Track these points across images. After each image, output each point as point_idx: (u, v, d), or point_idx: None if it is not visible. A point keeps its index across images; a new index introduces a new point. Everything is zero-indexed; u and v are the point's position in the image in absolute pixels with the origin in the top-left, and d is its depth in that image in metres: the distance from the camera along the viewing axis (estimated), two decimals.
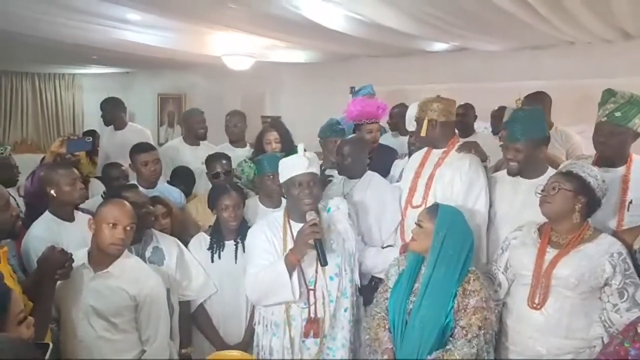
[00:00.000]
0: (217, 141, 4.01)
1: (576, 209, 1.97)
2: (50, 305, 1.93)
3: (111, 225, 2.05)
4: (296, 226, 2.19)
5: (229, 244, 2.55)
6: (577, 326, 1.98)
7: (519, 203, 2.31)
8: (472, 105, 3.99)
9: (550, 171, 2.24)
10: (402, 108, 3.49)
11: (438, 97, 2.49)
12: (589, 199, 1.97)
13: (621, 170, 2.28)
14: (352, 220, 2.34)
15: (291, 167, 2.19)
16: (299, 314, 2.19)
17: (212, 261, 2.54)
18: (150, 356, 2.14)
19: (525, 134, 2.26)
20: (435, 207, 2.12)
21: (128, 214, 2.09)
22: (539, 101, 3.24)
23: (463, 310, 1.95)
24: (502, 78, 4.59)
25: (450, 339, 1.95)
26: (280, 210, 2.33)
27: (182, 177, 3.40)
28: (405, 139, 3.24)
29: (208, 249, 2.56)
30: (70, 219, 2.54)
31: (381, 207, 2.56)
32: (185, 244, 2.60)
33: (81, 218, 2.51)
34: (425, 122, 2.44)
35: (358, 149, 2.66)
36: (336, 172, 2.78)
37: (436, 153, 2.51)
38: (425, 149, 2.59)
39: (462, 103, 3.89)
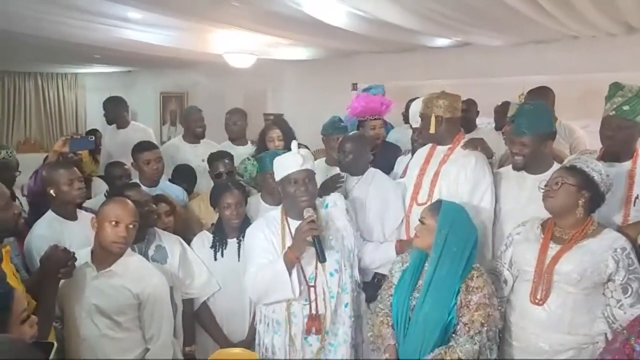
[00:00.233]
0: (220, 139, 4.00)
1: (580, 203, 1.96)
2: (53, 304, 1.94)
3: (113, 223, 2.05)
4: (294, 224, 2.19)
5: (232, 242, 2.55)
6: (579, 322, 1.97)
7: (524, 198, 2.30)
8: (474, 100, 3.97)
9: (556, 167, 2.23)
10: None
11: (443, 93, 2.47)
12: (592, 194, 1.96)
13: (627, 165, 2.26)
14: (350, 216, 2.34)
15: (286, 165, 2.19)
16: (300, 311, 2.19)
17: (215, 259, 2.55)
18: (153, 355, 2.15)
19: (532, 128, 2.24)
20: (438, 203, 2.11)
21: (130, 212, 2.10)
22: (542, 96, 3.21)
23: (466, 307, 1.94)
24: (505, 73, 4.56)
25: (453, 335, 1.95)
26: (278, 209, 2.33)
27: (184, 175, 3.41)
28: None
29: (211, 247, 2.57)
30: (73, 217, 2.54)
31: (384, 204, 2.55)
32: (189, 242, 2.60)
33: (84, 217, 2.51)
34: (433, 118, 2.41)
35: (360, 146, 2.65)
36: (338, 169, 2.77)
37: (441, 150, 2.49)
38: (430, 145, 2.57)
39: (464, 99, 3.88)
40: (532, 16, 3.36)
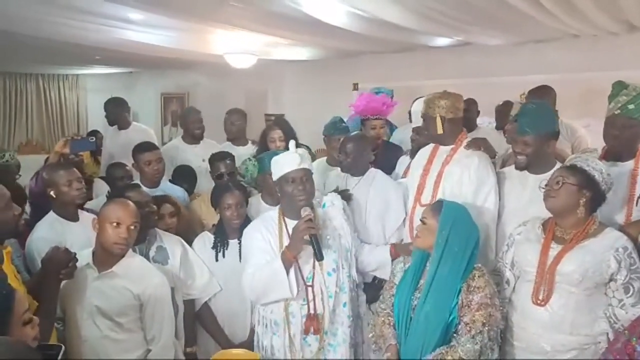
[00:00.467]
0: (221, 140, 4.01)
1: (581, 203, 1.95)
2: (54, 305, 1.94)
3: (115, 224, 2.05)
4: (291, 223, 2.19)
5: (233, 243, 2.55)
6: (581, 322, 1.96)
7: (527, 198, 2.30)
8: (474, 100, 3.96)
9: (559, 166, 2.22)
10: None
11: (445, 93, 2.46)
12: (593, 193, 1.95)
13: (629, 164, 2.26)
14: (347, 216, 2.35)
15: (283, 164, 2.20)
16: (299, 311, 2.19)
17: (217, 260, 2.55)
18: (155, 355, 2.15)
19: (534, 127, 2.23)
20: (440, 203, 2.10)
21: (131, 213, 2.10)
22: (543, 95, 3.21)
23: (467, 307, 1.93)
24: (506, 72, 4.56)
25: (454, 335, 1.94)
26: (276, 209, 2.34)
27: (184, 176, 3.41)
28: None
29: (212, 248, 2.57)
30: (74, 218, 2.54)
31: (385, 204, 2.55)
32: (191, 243, 2.60)
33: (85, 218, 2.52)
34: (438, 119, 2.40)
35: (361, 146, 2.65)
36: (339, 169, 2.76)
37: (444, 150, 2.48)
38: (432, 145, 2.57)
39: (465, 98, 3.87)
40: (533, 15, 3.35)
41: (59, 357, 1.28)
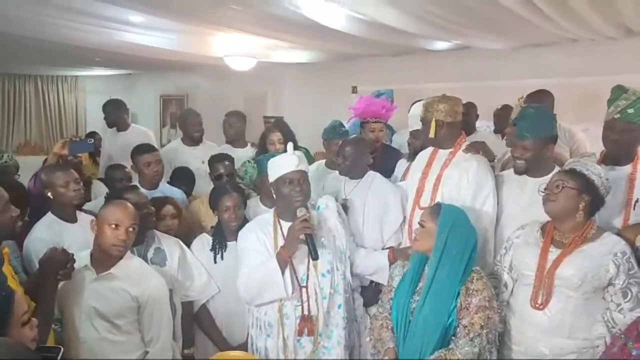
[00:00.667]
0: (220, 142, 4.01)
1: (580, 207, 1.96)
2: (52, 306, 1.93)
3: (113, 226, 2.05)
4: (286, 225, 2.21)
5: (232, 245, 2.54)
6: (580, 326, 1.96)
7: (525, 202, 2.30)
8: (473, 103, 3.97)
9: (557, 170, 2.23)
10: None
11: (444, 97, 2.46)
12: (592, 197, 1.96)
13: (627, 168, 2.26)
14: (342, 218, 2.36)
15: (281, 166, 2.21)
16: (293, 312, 2.20)
17: (215, 262, 2.55)
18: (153, 357, 2.14)
19: (534, 131, 2.24)
20: (438, 207, 2.11)
21: (130, 215, 2.10)
22: (541, 99, 3.22)
23: (466, 309, 1.93)
24: (504, 76, 4.57)
25: (453, 338, 1.94)
26: (271, 211, 2.34)
27: (183, 178, 3.41)
28: None
29: (210, 250, 2.57)
30: (73, 220, 2.54)
31: (383, 207, 2.56)
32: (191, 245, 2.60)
33: (84, 219, 2.51)
34: (433, 123, 2.41)
35: (359, 149, 2.65)
36: (337, 172, 2.77)
37: (443, 153, 2.49)
38: (431, 148, 2.57)
39: (464, 102, 3.87)
40: (531, 19, 3.37)
41: (58, 359, 1.28)
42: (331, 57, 5.59)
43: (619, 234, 2.05)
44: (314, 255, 2.11)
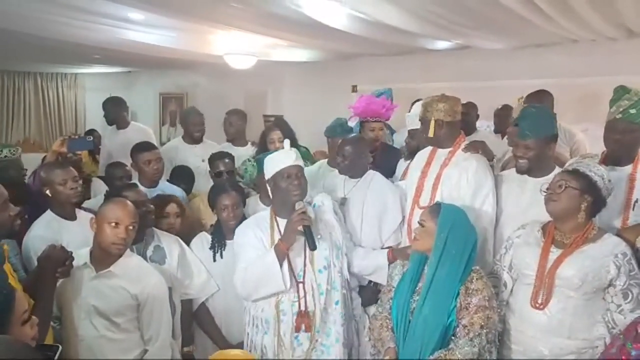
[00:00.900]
0: (220, 140, 4.01)
1: (582, 207, 1.96)
2: (51, 304, 1.93)
3: (113, 224, 2.05)
4: (283, 222, 2.22)
5: (231, 243, 2.54)
6: (579, 326, 1.97)
7: (526, 202, 2.30)
8: (473, 103, 3.97)
9: (557, 170, 2.23)
10: None
11: (443, 96, 2.46)
12: (594, 198, 1.96)
13: (628, 169, 2.26)
14: (338, 216, 2.38)
15: (279, 161, 2.23)
16: (290, 308, 2.20)
17: (214, 260, 2.55)
18: (152, 355, 2.14)
19: (535, 131, 2.24)
20: (438, 206, 2.11)
21: (130, 213, 2.09)
22: (541, 99, 3.22)
23: (465, 309, 1.93)
24: (504, 76, 4.57)
25: (453, 338, 1.94)
26: (268, 209, 2.35)
27: (182, 177, 3.41)
28: None
29: (210, 248, 2.57)
30: (72, 217, 2.54)
31: (382, 206, 2.55)
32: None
33: (83, 217, 2.51)
34: (432, 123, 2.41)
35: (359, 149, 2.65)
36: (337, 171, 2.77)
37: (442, 153, 2.49)
38: (430, 148, 2.57)
39: (464, 102, 3.87)
40: (532, 19, 3.37)
41: (56, 358, 1.28)
42: (331, 56, 5.58)
43: (618, 234, 2.06)
44: (311, 245, 2.12)
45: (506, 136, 3.38)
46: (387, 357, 2.01)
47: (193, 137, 3.87)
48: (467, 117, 3.76)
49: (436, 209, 2.09)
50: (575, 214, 1.97)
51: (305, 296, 2.20)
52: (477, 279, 1.98)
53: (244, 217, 2.55)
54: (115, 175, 3.26)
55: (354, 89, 5.66)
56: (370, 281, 2.53)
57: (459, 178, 2.38)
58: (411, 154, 2.87)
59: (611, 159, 2.29)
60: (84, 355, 2.07)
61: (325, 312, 2.22)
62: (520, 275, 2.10)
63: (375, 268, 2.44)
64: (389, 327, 2.08)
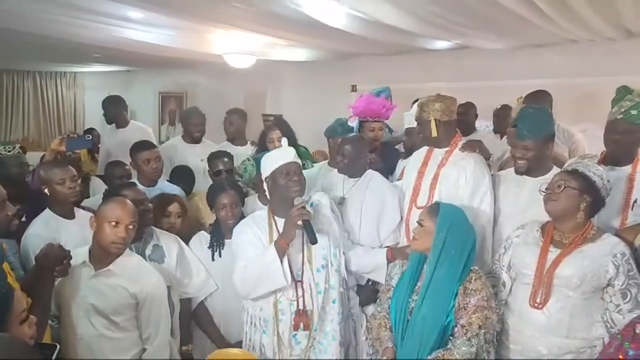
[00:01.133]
0: (219, 139, 4.01)
1: (581, 207, 1.96)
2: (49, 303, 1.93)
3: (113, 224, 2.05)
4: (281, 221, 2.22)
5: (229, 242, 2.53)
6: (578, 326, 1.97)
7: (524, 201, 2.30)
8: (473, 103, 3.98)
9: (555, 169, 2.23)
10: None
11: (439, 96, 2.47)
12: (593, 198, 1.96)
13: (627, 169, 2.27)
14: (335, 215, 2.38)
15: (277, 158, 2.24)
16: (288, 307, 2.20)
17: (213, 259, 2.55)
18: (150, 354, 2.14)
19: (534, 132, 2.24)
20: (437, 206, 2.11)
21: (130, 212, 2.09)
22: (539, 100, 3.23)
23: (464, 309, 1.94)
24: (504, 76, 4.57)
25: (451, 337, 1.95)
26: (265, 208, 2.35)
27: (182, 176, 3.41)
28: None
29: (208, 248, 2.56)
30: (70, 216, 2.53)
31: (380, 206, 2.55)
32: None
33: (82, 216, 2.51)
34: (433, 122, 2.42)
35: (358, 148, 2.65)
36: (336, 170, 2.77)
37: (439, 152, 2.49)
38: (426, 148, 2.57)
39: (463, 102, 3.88)
40: (532, 20, 3.37)
41: (54, 357, 1.28)
42: (331, 55, 5.58)
43: (617, 234, 2.06)
44: (312, 239, 2.12)
45: (505, 136, 3.38)
46: (385, 357, 2.02)
47: (193, 136, 3.88)
48: (466, 117, 3.78)
49: (435, 208, 2.09)
50: (574, 213, 1.97)
51: (303, 295, 2.20)
52: (475, 279, 1.98)
53: (242, 216, 2.55)
54: (115, 174, 3.26)
55: (354, 88, 5.66)
56: (368, 280, 2.54)
57: (457, 177, 2.38)
58: (408, 153, 2.87)
59: (610, 159, 2.29)
60: (82, 354, 2.07)
61: (323, 310, 2.23)
62: (519, 274, 2.10)
63: (374, 267, 2.44)
64: (388, 326, 2.08)
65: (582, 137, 3.38)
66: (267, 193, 2.32)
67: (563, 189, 1.96)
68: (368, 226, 2.54)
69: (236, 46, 4.95)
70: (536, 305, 1.99)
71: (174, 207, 2.66)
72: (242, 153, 3.59)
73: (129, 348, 2.12)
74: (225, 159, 3.09)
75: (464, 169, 2.37)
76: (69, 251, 1.94)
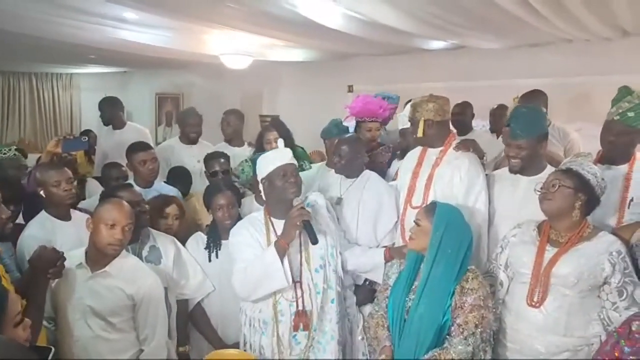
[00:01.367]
0: (215, 140, 4.00)
1: (576, 206, 1.97)
2: (43, 305, 1.92)
3: (110, 225, 2.05)
4: (278, 223, 2.22)
5: (226, 243, 2.53)
6: (575, 324, 1.97)
7: (519, 200, 2.31)
8: (469, 103, 3.98)
9: (549, 168, 2.24)
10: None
11: (432, 96, 2.47)
12: (588, 197, 1.97)
13: (623, 168, 2.28)
14: (331, 215, 2.39)
15: (274, 159, 2.24)
16: (287, 309, 2.20)
17: (210, 260, 2.55)
18: (147, 356, 2.14)
19: (527, 131, 2.25)
20: (433, 205, 2.11)
21: (127, 214, 2.09)
22: (535, 99, 3.23)
23: (460, 308, 1.94)
24: (500, 76, 4.58)
25: (447, 336, 1.95)
26: (261, 210, 2.35)
27: (179, 177, 3.40)
28: None
29: (205, 249, 2.56)
30: (66, 218, 2.53)
31: (378, 206, 2.55)
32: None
33: (78, 217, 2.51)
34: (422, 122, 2.42)
35: (355, 148, 2.65)
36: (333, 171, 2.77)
37: (433, 152, 2.50)
38: (420, 148, 2.58)
39: (460, 101, 3.89)
40: (527, 19, 3.38)
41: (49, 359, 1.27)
42: (327, 56, 5.58)
43: (614, 233, 2.07)
44: (313, 239, 2.12)
45: (501, 135, 3.38)
46: (382, 356, 2.02)
47: (189, 137, 3.88)
48: (462, 117, 3.79)
49: (431, 208, 2.09)
50: (570, 212, 1.98)
51: (302, 295, 2.20)
52: (472, 278, 1.98)
53: (239, 217, 2.55)
54: (112, 175, 3.25)
55: (350, 88, 5.66)
56: (366, 280, 2.54)
57: (451, 177, 2.38)
58: (401, 153, 2.88)
59: (607, 158, 2.31)
60: (79, 356, 2.06)
61: (322, 310, 2.23)
62: (516, 273, 2.11)
63: (372, 266, 2.44)
64: (385, 325, 2.08)
65: (578, 136, 3.39)
66: (263, 194, 2.31)
67: (558, 188, 1.97)
68: (365, 226, 2.55)
69: (232, 47, 4.95)
70: (533, 304, 2.00)
71: (172, 209, 2.66)
72: (239, 154, 3.59)
73: (125, 349, 2.12)
74: (222, 160, 3.09)
75: (458, 168, 2.38)
76: (63, 253, 1.93)
